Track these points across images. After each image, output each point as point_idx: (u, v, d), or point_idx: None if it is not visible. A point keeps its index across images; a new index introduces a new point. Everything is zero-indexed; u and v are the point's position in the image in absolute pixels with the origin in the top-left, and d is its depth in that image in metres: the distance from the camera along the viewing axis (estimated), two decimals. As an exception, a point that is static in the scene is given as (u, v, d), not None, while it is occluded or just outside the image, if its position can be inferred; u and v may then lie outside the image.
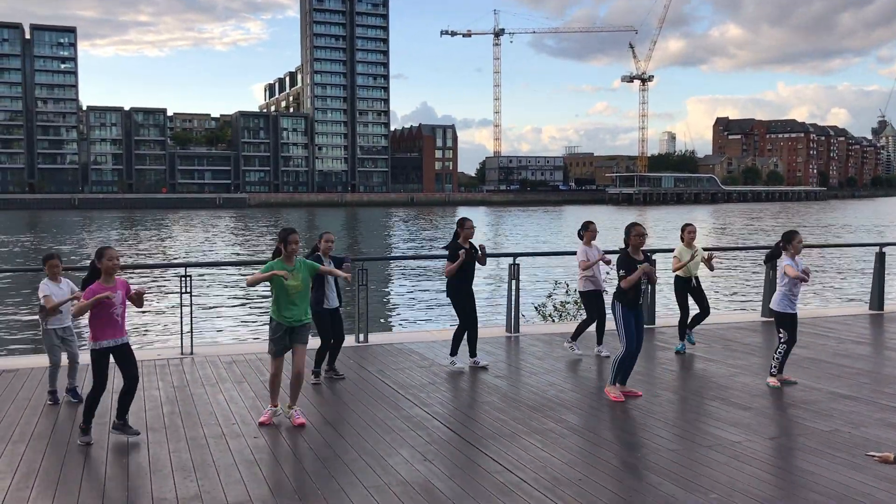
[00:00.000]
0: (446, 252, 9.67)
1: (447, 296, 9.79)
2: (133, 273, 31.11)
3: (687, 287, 10.77)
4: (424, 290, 31.04)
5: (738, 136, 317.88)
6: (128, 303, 6.91)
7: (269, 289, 7.47)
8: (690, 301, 10.78)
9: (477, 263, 9.79)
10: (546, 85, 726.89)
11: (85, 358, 10.00)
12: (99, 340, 6.73)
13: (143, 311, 23.18)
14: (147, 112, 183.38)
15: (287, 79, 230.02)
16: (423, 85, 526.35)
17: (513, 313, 11.88)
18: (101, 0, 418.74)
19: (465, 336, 9.82)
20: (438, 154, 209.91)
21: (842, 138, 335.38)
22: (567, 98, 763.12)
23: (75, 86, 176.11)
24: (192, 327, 10.65)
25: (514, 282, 11.81)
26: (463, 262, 9.48)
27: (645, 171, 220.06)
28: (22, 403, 8.05)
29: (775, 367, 8.79)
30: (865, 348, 11.05)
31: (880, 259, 14.14)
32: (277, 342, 7.36)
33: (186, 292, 10.12)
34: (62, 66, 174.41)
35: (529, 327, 12.90)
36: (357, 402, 8.16)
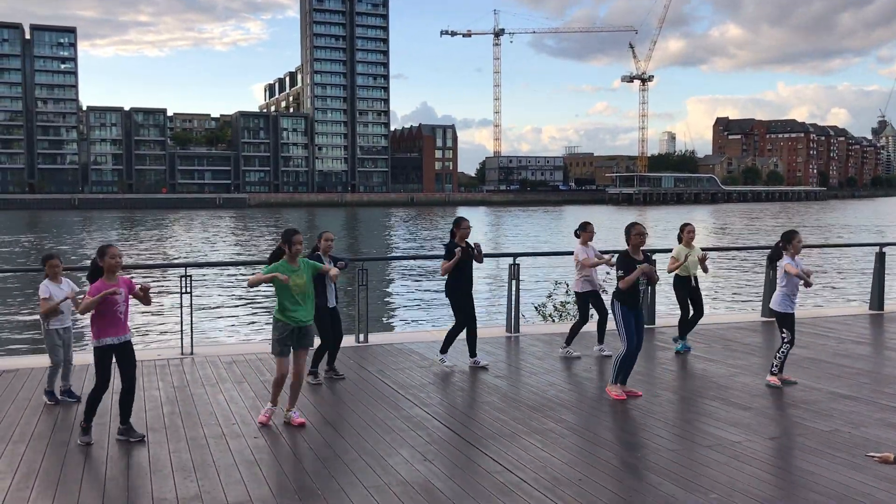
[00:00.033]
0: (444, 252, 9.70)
1: (446, 295, 9.80)
2: (133, 273, 31.09)
3: (687, 286, 10.77)
4: (424, 290, 31.05)
5: (738, 136, 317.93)
6: (131, 301, 6.92)
7: (271, 289, 7.46)
8: (684, 300, 10.79)
9: (475, 262, 9.79)
10: (546, 85, 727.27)
11: (83, 358, 10.02)
12: (101, 338, 6.74)
13: (143, 312, 23.18)
14: (147, 112, 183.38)
15: (287, 79, 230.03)
16: (423, 85, 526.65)
17: (513, 313, 11.88)
18: (101, 0, 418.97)
19: (465, 336, 9.83)
20: (438, 154, 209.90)
21: (842, 138, 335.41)
22: (567, 98, 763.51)
23: (75, 86, 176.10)
24: (192, 327, 10.66)
25: (514, 282, 11.82)
26: (459, 260, 9.49)
27: (645, 171, 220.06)
28: (22, 403, 8.05)
29: (777, 366, 8.79)
30: (865, 348, 11.05)
31: (880, 259, 14.14)
32: (283, 342, 7.33)
33: (186, 292, 10.12)
34: (62, 66, 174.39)
35: (529, 327, 12.91)
36: (357, 402, 8.16)
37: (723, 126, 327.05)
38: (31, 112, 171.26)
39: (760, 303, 14.49)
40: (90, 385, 8.62)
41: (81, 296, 8.00)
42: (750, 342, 11.35)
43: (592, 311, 10.94)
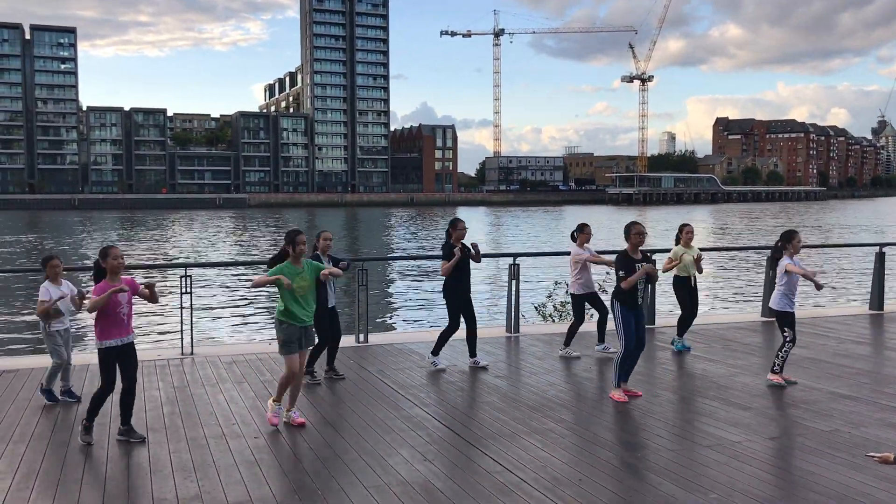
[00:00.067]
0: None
1: (443, 296, 9.78)
2: (133, 273, 31.06)
3: (687, 286, 10.79)
4: (424, 290, 31.05)
5: (738, 136, 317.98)
6: (134, 300, 6.93)
7: (272, 289, 7.46)
8: (684, 299, 10.80)
9: (473, 262, 9.79)
10: (546, 85, 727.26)
11: (82, 358, 10.01)
12: (105, 340, 6.75)
13: (143, 312, 23.18)
14: (147, 112, 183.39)
15: (287, 79, 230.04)
16: (423, 85, 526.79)
17: (513, 313, 11.88)
18: (101, 0, 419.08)
19: (465, 336, 9.84)
20: (438, 154, 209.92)
21: (842, 138, 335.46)
22: (567, 98, 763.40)
23: (75, 86, 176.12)
24: (192, 327, 10.65)
25: (514, 282, 11.81)
26: (458, 260, 9.50)
27: (645, 172, 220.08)
28: (22, 404, 8.05)
29: (778, 365, 8.80)
30: (865, 348, 11.05)
31: (880, 259, 14.14)
32: (290, 341, 7.30)
33: (186, 292, 10.12)
34: (62, 66, 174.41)
35: (529, 327, 12.90)
36: (357, 402, 8.16)
37: (723, 126, 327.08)
38: (31, 112, 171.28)
39: (760, 303, 14.49)
40: (90, 385, 8.66)
41: (80, 295, 8.03)
42: (750, 342, 11.36)
43: (592, 312, 10.95)
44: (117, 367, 6.85)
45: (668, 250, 11.41)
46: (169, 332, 20.29)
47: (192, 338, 10.62)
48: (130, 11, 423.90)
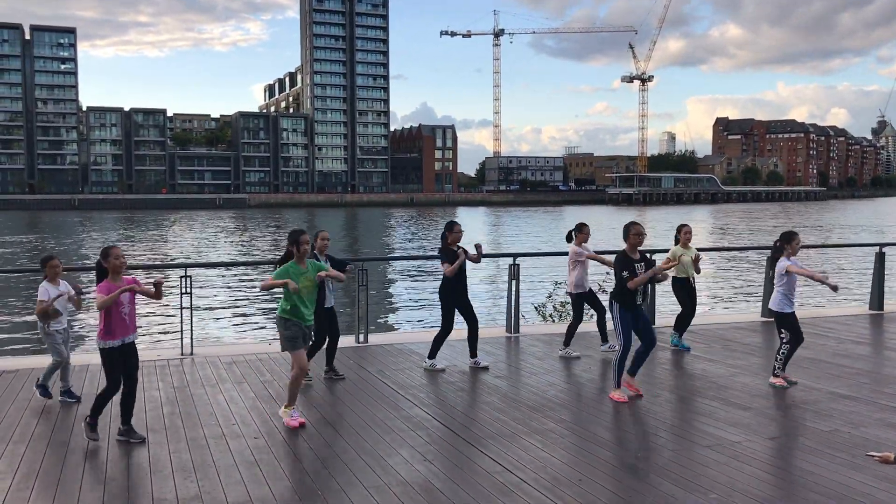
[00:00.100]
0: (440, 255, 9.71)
1: (440, 298, 9.77)
2: (134, 274, 31.07)
3: (686, 286, 10.81)
4: (424, 290, 31.04)
5: (738, 137, 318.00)
6: (137, 299, 6.94)
7: (273, 289, 7.45)
8: (683, 298, 10.82)
9: (469, 263, 9.79)
10: (546, 85, 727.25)
11: (81, 359, 10.02)
12: (107, 339, 6.75)
13: (144, 313, 23.19)
14: (147, 112, 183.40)
15: (287, 79, 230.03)
16: (423, 85, 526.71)
17: (513, 313, 11.88)
18: (101, 0, 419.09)
19: (467, 336, 9.84)
20: (438, 154, 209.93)
21: (841, 138, 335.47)
22: (567, 98, 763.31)
23: (75, 86, 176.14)
24: (192, 328, 10.65)
25: (514, 282, 11.82)
26: (463, 262, 9.52)
27: (645, 172, 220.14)
28: (22, 404, 8.05)
29: (778, 366, 8.80)
30: (865, 348, 11.05)
31: (880, 259, 14.15)
32: (296, 337, 7.31)
33: (186, 293, 10.12)
34: (62, 66, 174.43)
35: (529, 327, 12.90)
36: (357, 402, 8.17)
37: (722, 126, 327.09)
38: (31, 112, 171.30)
39: (760, 303, 14.49)
40: (90, 385, 8.67)
41: (78, 294, 8.04)
42: (750, 342, 11.36)
43: (592, 312, 10.95)
44: (120, 366, 6.86)
45: (667, 250, 11.42)
46: (169, 333, 20.29)
47: (192, 338, 10.63)
48: (130, 12, 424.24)
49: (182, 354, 10.44)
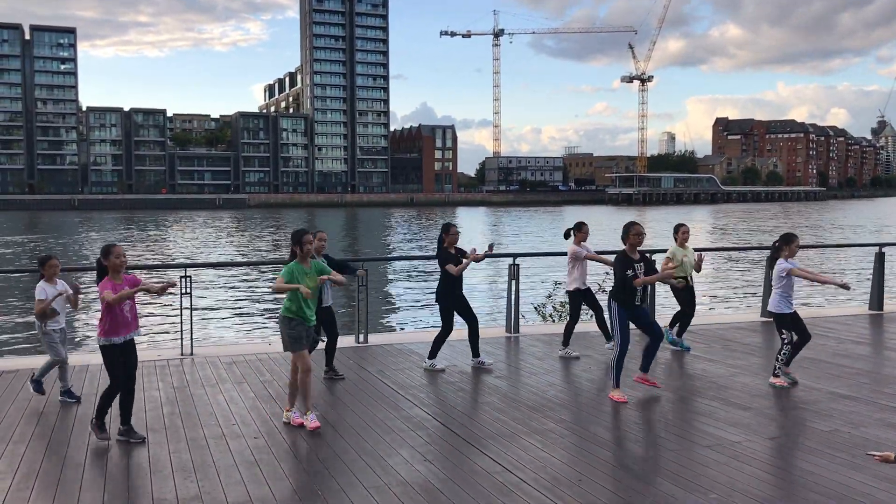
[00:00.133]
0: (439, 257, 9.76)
1: (437, 300, 9.77)
2: (133, 273, 31.07)
3: (686, 286, 10.82)
4: (424, 291, 31.04)
5: (738, 137, 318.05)
6: (137, 297, 6.95)
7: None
8: (682, 298, 10.83)
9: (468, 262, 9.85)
10: (546, 85, 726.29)
11: (81, 359, 10.02)
12: (108, 336, 6.76)
13: (144, 313, 23.18)
14: (147, 113, 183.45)
15: (287, 79, 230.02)
16: (423, 85, 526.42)
17: (513, 314, 11.88)
18: (101, 0, 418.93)
19: (468, 336, 9.85)
20: (438, 154, 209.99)
21: (841, 138, 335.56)
22: (567, 98, 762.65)
23: (75, 86, 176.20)
24: (192, 328, 10.65)
25: (513, 282, 11.82)
26: (449, 264, 9.55)
27: (644, 172, 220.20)
28: (22, 404, 8.05)
29: (779, 367, 8.80)
30: (865, 348, 11.05)
31: (880, 259, 14.15)
32: (299, 337, 7.30)
33: (186, 293, 10.12)
34: (62, 66, 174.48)
35: (529, 328, 12.91)
36: (357, 402, 8.17)
37: (722, 126, 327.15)
38: (30, 113, 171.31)
39: (760, 303, 14.49)
40: (90, 385, 8.67)
41: (76, 293, 8.04)
42: (749, 342, 11.36)
43: (591, 312, 10.95)
44: (120, 363, 6.86)
45: (665, 251, 11.42)
46: (169, 333, 20.30)
47: (191, 338, 10.63)
48: (130, 12, 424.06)
49: (182, 354, 10.44)
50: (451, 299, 9.68)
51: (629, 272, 8.11)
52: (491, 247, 10.06)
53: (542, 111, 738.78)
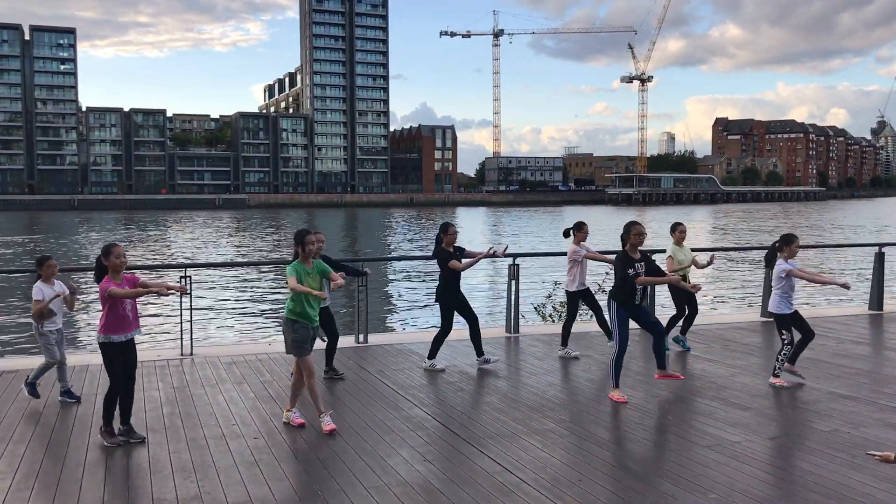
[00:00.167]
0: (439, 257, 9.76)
1: (437, 299, 9.77)
2: (133, 273, 31.06)
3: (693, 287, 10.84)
4: (424, 291, 31.04)
5: (738, 137, 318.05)
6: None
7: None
8: (680, 299, 10.85)
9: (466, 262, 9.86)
10: (545, 85, 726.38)
11: (81, 359, 10.02)
12: (108, 334, 6.76)
13: (144, 313, 23.17)
14: (146, 113, 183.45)
15: (287, 79, 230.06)
16: (423, 85, 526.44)
17: (512, 314, 11.88)
18: (101, 1, 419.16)
19: (469, 336, 9.85)
20: (438, 154, 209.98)
21: (841, 138, 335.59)
22: (566, 98, 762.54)
23: (75, 87, 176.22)
24: (192, 328, 10.65)
25: (513, 282, 11.82)
26: (449, 263, 9.56)
27: (644, 172, 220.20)
28: (22, 404, 8.05)
29: (779, 367, 8.80)
30: (865, 348, 11.05)
31: (880, 259, 14.15)
32: (305, 341, 7.28)
33: (186, 293, 10.10)
34: (62, 66, 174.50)
35: (529, 328, 12.91)
36: (357, 402, 8.17)
37: (722, 126, 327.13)
38: (30, 113, 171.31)
39: (760, 303, 14.49)
40: (90, 385, 8.67)
41: (73, 293, 8.04)
42: (749, 342, 11.36)
43: (590, 312, 10.96)
44: (120, 363, 6.86)
45: (664, 250, 11.43)
46: (169, 333, 20.30)
47: (191, 338, 10.63)
48: (130, 12, 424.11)
49: (182, 354, 10.44)
50: (452, 298, 9.68)
51: (630, 271, 8.11)
52: (505, 249, 10.12)
53: (542, 111, 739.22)
